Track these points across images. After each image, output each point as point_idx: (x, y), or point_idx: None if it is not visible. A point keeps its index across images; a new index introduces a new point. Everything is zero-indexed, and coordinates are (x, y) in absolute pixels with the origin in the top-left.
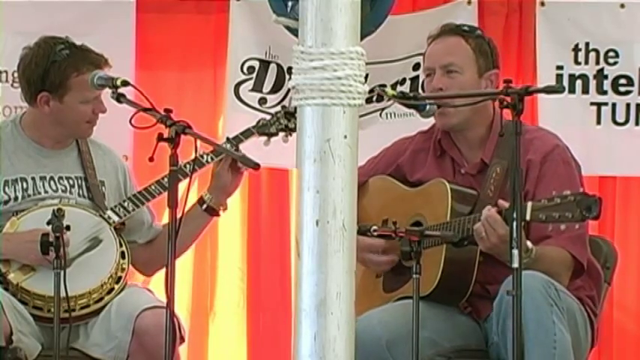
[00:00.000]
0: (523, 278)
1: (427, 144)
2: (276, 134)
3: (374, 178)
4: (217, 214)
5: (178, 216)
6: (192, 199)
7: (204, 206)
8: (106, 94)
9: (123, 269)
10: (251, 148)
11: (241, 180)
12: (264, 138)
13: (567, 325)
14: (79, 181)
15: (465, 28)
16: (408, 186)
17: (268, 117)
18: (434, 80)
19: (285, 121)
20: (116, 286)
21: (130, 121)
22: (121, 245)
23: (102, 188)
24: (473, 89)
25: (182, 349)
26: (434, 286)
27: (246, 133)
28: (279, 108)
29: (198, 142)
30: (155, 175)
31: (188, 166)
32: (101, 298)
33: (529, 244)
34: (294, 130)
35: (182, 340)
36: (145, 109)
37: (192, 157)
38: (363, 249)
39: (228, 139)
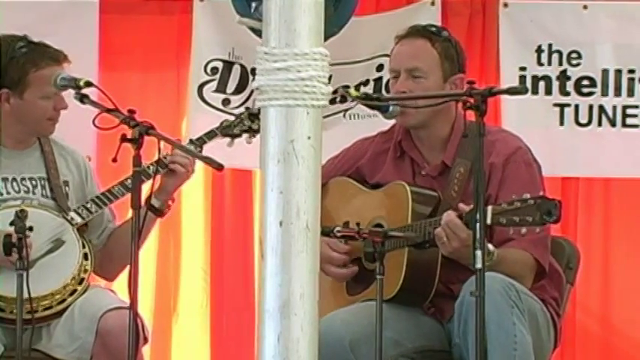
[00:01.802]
0: (488, 279)
1: (387, 145)
2: (239, 135)
3: (334, 180)
4: (162, 215)
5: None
6: None
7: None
8: (69, 94)
9: (86, 270)
10: (215, 149)
11: (182, 180)
12: (228, 139)
13: (528, 326)
14: (42, 182)
15: (433, 29)
16: (368, 188)
17: (232, 118)
18: (398, 83)
19: (249, 123)
20: (79, 288)
21: (94, 122)
22: (83, 246)
23: (65, 188)
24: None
25: (145, 350)
26: (397, 289)
27: (210, 135)
28: (242, 109)
29: (162, 143)
30: (118, 176)
31: (152, 167)
32: (64, 300)
33: (490, 246)
34: (257, 131)
35: (145, 340)
36: (109, 110)
37: (156, 158)
38: (324, 261)
39: (191, 140)
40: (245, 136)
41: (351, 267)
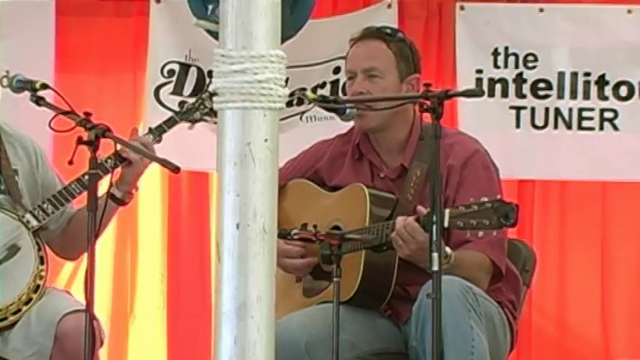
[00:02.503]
0: (445, 282)
1: (346, 148)
2: (200, 120)
3: (292, 182)
4: (124, 204)
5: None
6: None
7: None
8: (25, 96)
9: (41, 277)
10: (171, 152)
11: (142, 169)
12: (188, 124)
13: (485, 329)
14: None
15: (387, 31)
16: (326, 190)
17: (192, 100)
18: (355, 84)
19: (211, 104)
20: (34, 296)
21: (50, 125)
22: (39, 249)
23: (16, 178)
24: (394, 93)
25: (102, 352)
26: (354, 291)
27: (169, 122)
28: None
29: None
30: None
31: (109, 160)
32: (19, 310)
33: (448, 249)
34: None
35: (101, 343)
36: (65, 112)
37: (114, 158)
38: (280, 254)
39: (150, 129)
40: (205, 123)
41: (308, 259)
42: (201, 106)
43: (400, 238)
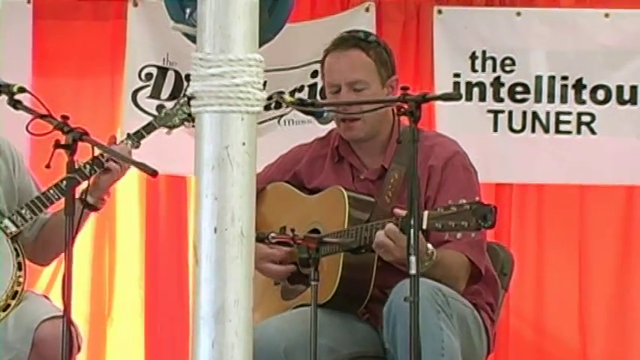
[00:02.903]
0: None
1: (325, 150)
2: (178, 125)
3: (271, 185)
4: (96, 210)
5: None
6: None
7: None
8: (2, 100)
9: (19, 283)
10: (149, 155)
11: (117, 177)
12: (166, 129)
13: (458, 331)
14: None
15: (361, 36)
16: (305, 193)
17: (171, 105)
18: (341, 97)
19: (189, 109)
20: (12, 302)
21: (27, 128)
22: (17, 255)
23: None
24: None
25: (81, 357)
26: (332, 294)
27: (148, 128)
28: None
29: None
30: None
31: (88, 166)
32: None
33: (430, 246)
34: None
35: (79, 349)
36: (42, 116)
37: (92, 162)
38: (262, 258)
39: (129, 135)
40: (183, 127)
41: (289, 265)
42: (180, 112)
43: (382, 248)
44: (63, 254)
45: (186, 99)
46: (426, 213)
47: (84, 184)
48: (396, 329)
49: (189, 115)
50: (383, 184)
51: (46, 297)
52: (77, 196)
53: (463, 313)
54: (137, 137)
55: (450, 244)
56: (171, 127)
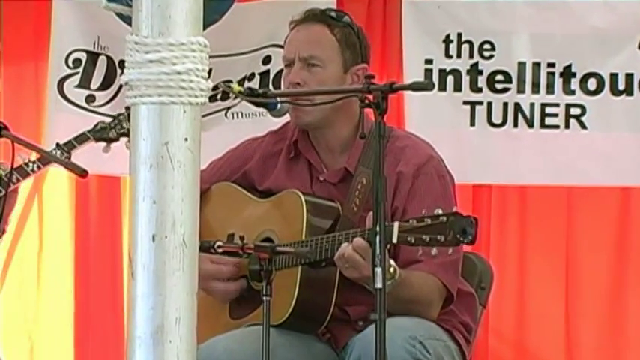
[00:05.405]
0: (387, 332)
1: (279, 146)
2: (116, 139)
3: (217, 186)
4: None
5: None
6: None
7: None
8: None
9: None
10: (79, 154)
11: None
12: (103, 144)
13: None
14: None
15: (332, 14)
16: (257, 196)
17: (108, 120)
18: (291, 73)
19: (129, 125)
20: None
21: None
22: None
23: None
24: (336, 86)
25: None
26: (288, 313)
27: (81, 138)
28: (111, 106)
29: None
30: None
31: (15, 173)
32: None
33: (392, 262)
34: None
35: None
36: None
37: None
38: (207, 277)
39: (58, 145)
40: (123, 140)
41: (239, 282)
42: (118, 127)
43: (351, 262)
44: None
45: (126, 114)
46: (396, 225)
47: None
48: None
49: (129, 130)
50: (349, 191)
51: None
52: None
53: (439, 353)
54: (68, 148)
55: (422, 264)
56: (108, 141)
